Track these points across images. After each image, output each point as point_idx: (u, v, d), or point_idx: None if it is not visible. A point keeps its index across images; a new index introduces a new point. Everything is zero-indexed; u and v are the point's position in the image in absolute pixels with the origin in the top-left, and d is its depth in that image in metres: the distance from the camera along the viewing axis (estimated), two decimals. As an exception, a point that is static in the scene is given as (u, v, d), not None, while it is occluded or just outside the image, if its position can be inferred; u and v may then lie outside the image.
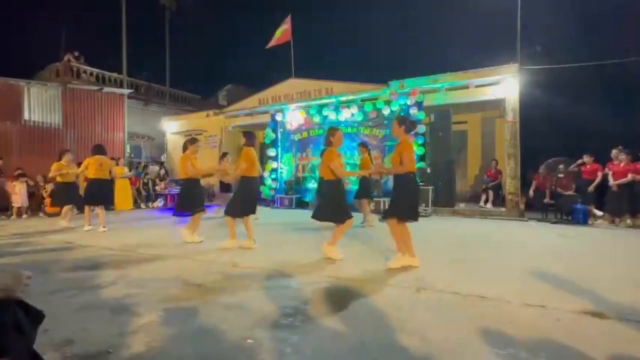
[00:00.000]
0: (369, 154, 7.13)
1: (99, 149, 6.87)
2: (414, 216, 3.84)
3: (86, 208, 6.86)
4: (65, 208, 7.16)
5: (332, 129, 4.39)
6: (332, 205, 4.27)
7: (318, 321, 2.44)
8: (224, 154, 8.30)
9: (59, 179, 7.03)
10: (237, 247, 4.83)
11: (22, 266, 4.00)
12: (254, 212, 5.17)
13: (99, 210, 6.72)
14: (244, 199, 4.89)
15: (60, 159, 7.14)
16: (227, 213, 4.91)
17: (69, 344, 2.09)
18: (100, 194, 6.72)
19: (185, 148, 5.42)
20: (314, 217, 4.42)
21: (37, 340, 1.13)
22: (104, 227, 6.48)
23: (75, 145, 12.05)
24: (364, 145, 7.11)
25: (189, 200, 5.36)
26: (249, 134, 5.13)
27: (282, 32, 12.66)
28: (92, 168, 6.58)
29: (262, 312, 2.60)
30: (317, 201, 4.62)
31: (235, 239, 4.93)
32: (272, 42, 12.79)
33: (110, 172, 6.86)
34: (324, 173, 4.29)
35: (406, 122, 3.96)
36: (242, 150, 4.99)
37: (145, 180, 12.18)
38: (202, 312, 2.60)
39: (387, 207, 4.05)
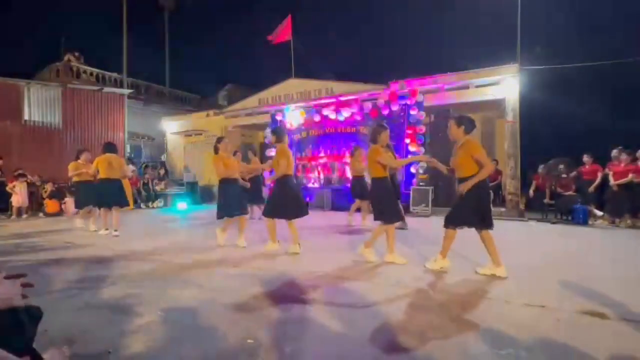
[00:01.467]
0: (393, 153, 7.05)
1: (108, 147, 6.48)
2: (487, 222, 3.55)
3: (102, 211, 6.49)
4: (83, 211, 6.96)
5: (380, 127, 4.18)
6: (385, 203, 4.06)
7: (318, 321, 2.44)
8: (234, 152, 8.25)
9: (76, 178, 6.85)
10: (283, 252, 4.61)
11: (23, 267, 4.00)
12: (307, 213, 4.95)
13: (103, 212, 6.43)
14: (294, 198, 4.67)
15: (77, 159, 6.98)
16: (287, 216, 4.61)
17: (69, 344, 2.09)
18: (109, 194, 6.28)
19: (216, 150, 5.12)
20: (378, 219, 4.14)
21: (37, 340, 1.13)
22: (115, 230, 6.12)
23: (75, 145, 12.04)
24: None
25: (222, 202, 5.08)
26: (279, 130, 4.89)
27: (283, 29, 12.65)
28: (101, 167, 6.24)
29: (262, 312, 2.60)
30: (373, 202, 4.29)
31: (276, 241, 4.75)
32: (274, 37, 12.72)
33: (121, 170, 6.48)
34: (372, 171, 4.09)
35: (464, 121, 3.61)
36: (276, 148, 4.77)
37: (145, 181, 12.19)
38: (202, 312, 2.60)
39: (455, 213, 3.65)
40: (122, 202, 6.44)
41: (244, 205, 5.33)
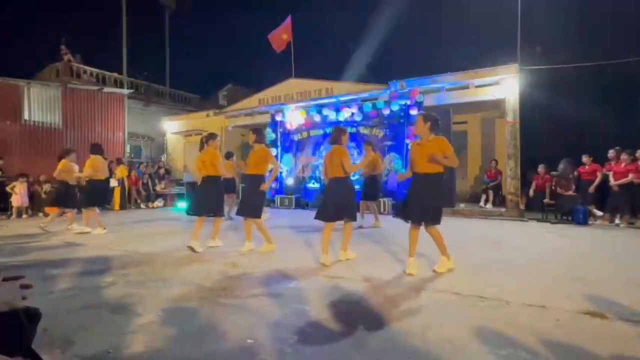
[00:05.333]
0: (374, 152, 7.08)
1: (94, 149, 6.66)
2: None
3: (84, 210, 6.60)
4: (70, 213, 6.98)
5: (342, 129, 4.28)
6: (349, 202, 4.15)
7: (318, 321, 2.44)
8: (230, 154, 8.21)
9: (61, 177, 6.81)
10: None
11: (23, 267, 4.00)
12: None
13: (92, 212, 6.52)
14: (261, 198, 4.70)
15: (62, 158, 6.91)
16: (255, 216, 4.60)
17: (69, 344, 2.09)
18: (93, 195, 6.49)
19: (202, 146, 5.03)
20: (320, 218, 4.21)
21: (37, 340, 1.13)
22: (103, 228, 6.35)
23: (75, 145, 12.04)
24: (368, 143, 7.05)
25: (198, 201, 5.08)
26: (258, 131, 4.81)
27: (284, 32, 12.64)
28: (88, 169, 6.44)
29: (262, 312, 2.60)
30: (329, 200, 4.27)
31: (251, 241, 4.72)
32: (279, 45, 12.73)
33: (106, 171, 6.66)
34: (338, 171, 4.10)
35: (432, 119, 3.64)
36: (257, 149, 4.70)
37: (145, 180, 12.19)
38: (202, 312, 2.60)
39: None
40: (103, 203, 6.83)
41: (217, 207, 5.05)
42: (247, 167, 4.74)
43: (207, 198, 4.96)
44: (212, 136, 5.07)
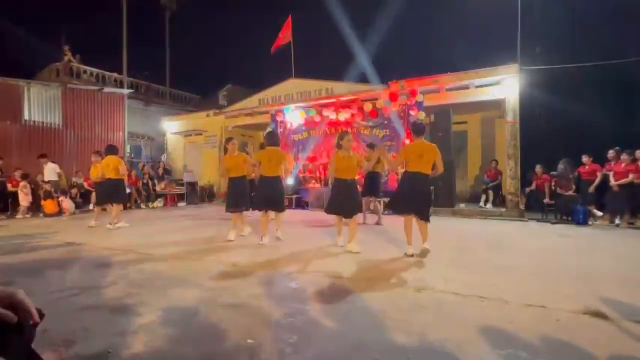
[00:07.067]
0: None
1: (108, 149, 7.12)
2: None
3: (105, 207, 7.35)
4: (98, 208, 7.66)
5: (344, 133, 4.89)
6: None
7: (318, 321, 2.44)
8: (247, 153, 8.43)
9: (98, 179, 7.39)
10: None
11: (23, 266, 4.00)
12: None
13: (98, 209, 7.08)
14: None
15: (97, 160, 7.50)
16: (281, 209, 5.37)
17: (69, 344, 2.09)
18: (106, 193, 7.04)
19: (225, 150, 5.73)
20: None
21: (37, 340, 1.13)
22: (110, 224, 6.84)
23: (75, 145, 12.07)
24: (371, 146, 7.33)
25: (230, 198, 5.63)
26: (268, 134, 5.57)
27: (284, 33, 12.64)
28: (105, 169, 6.98)
29: (262, 312, 2.60)
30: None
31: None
32: (276, 45, 12.74)
33: (118, 170, 6.96)
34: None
35: (412, 127, 4.66)
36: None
37: (145, 181, 12.19)
38: (202, 312, 2.60)
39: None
40: (119, 200, 7.18)
41: (240, 203, 5.63)
42: (262, 169, 5.23)
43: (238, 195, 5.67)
44: (226, 141, 5.77)
